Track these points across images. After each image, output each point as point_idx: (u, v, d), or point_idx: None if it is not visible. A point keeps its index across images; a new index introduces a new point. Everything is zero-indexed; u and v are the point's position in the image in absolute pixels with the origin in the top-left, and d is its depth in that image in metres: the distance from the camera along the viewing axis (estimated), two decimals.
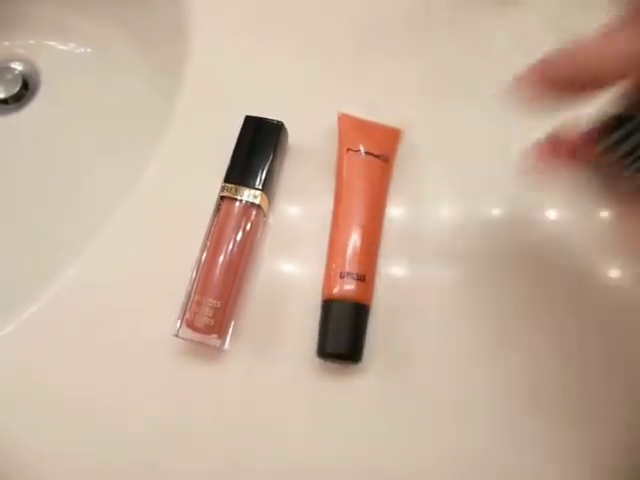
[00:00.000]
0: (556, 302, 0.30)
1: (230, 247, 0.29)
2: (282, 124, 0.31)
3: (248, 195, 0.29)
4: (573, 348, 0.29)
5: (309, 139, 0.33)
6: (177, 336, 0.28)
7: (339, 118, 0.32)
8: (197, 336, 0.28)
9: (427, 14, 0.37)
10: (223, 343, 0.29)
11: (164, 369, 0.29)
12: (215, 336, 0.28)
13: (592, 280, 0.31)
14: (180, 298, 0.29)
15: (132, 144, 0.37)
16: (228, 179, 0.30)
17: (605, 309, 0.30)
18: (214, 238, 0.29)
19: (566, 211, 0.32)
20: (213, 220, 0.29)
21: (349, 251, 0.29)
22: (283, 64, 0.36)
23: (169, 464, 0.28)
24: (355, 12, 0.37)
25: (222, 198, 0.29)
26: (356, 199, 0.30)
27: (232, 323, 0.29)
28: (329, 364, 0.29)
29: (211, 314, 0.28)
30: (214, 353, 0.30)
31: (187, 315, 0.28)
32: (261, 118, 0.31)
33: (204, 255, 0.29)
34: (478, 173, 0.33)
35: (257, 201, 0.29)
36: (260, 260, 0.31)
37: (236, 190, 0.29)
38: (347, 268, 0.28)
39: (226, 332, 0.29)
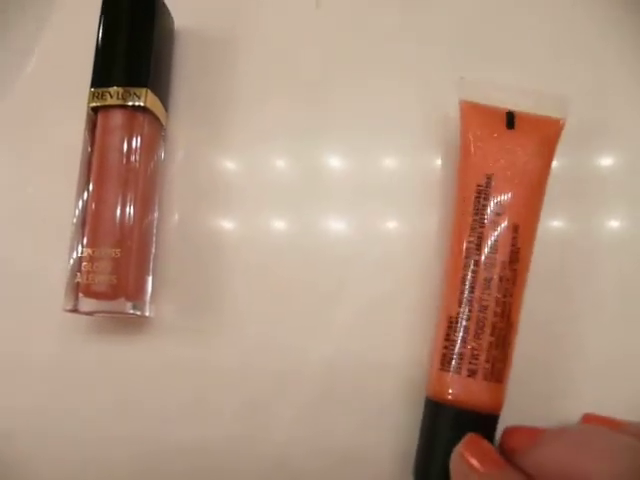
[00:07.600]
0: None
1: (121, 175, 0.20)
2: None
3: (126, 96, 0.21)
4: None
5: None
6: (71, 310, 0.20)
7: (462, 107, 0.19)
8: (99, 304, 0.20)
9: None
10: (140, 307, 0.21)
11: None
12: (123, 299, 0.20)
13: None
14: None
15: None
16: (96, 83, 0.21)
17: None
18: (95, 167, 0.21)
19: None
20: (87, 142, 0.21)
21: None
22: None
23: None
24: None
25: (94, 110, 0.21)
26: None
27: (149, 279, 0.21)
28: None
29: (110, 269, 0.20)
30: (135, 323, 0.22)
31: (79, 279, 0.20)
32: None
33: (85, 194, 0.21)
34: None
35: (141, 102, 0.21)
36: (170, 192, 0.23)
37: (108, 94, 0.21)
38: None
39: (140, 291, 0.21)
